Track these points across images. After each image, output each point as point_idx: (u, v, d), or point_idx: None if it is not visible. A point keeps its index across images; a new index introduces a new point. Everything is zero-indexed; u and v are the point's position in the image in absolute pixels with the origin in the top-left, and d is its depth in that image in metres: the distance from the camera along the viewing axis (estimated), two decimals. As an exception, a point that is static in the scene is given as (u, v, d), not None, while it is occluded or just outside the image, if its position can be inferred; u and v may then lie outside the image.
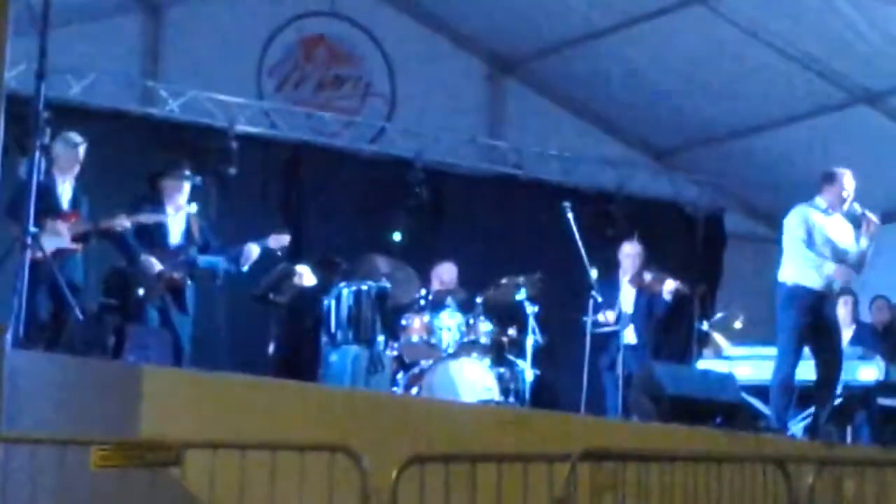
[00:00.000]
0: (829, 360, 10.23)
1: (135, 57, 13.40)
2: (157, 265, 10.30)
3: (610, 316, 11.71)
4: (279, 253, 11.00)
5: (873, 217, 10.32)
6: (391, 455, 6.06)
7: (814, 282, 10.14)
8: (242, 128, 13.04)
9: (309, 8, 14.20)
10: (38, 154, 8.51)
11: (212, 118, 13.01)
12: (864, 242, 10.33)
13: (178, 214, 10.58)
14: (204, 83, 13.12)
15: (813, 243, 10.19)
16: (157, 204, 10.54)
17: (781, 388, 10.10)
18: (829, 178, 10.36)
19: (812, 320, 10.12)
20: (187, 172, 10.68)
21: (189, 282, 10.48)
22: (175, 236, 10.54)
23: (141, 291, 10.25)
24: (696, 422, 9.56)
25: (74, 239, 9.99)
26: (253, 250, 10.67)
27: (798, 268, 10.19)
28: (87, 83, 12.54)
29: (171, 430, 7.00)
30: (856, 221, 10.36)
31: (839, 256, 10.21)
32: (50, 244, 9.49)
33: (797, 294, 10.13)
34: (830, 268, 10.14)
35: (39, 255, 9.04)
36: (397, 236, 13.52)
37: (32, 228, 8.52)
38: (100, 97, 12.64)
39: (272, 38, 13.99)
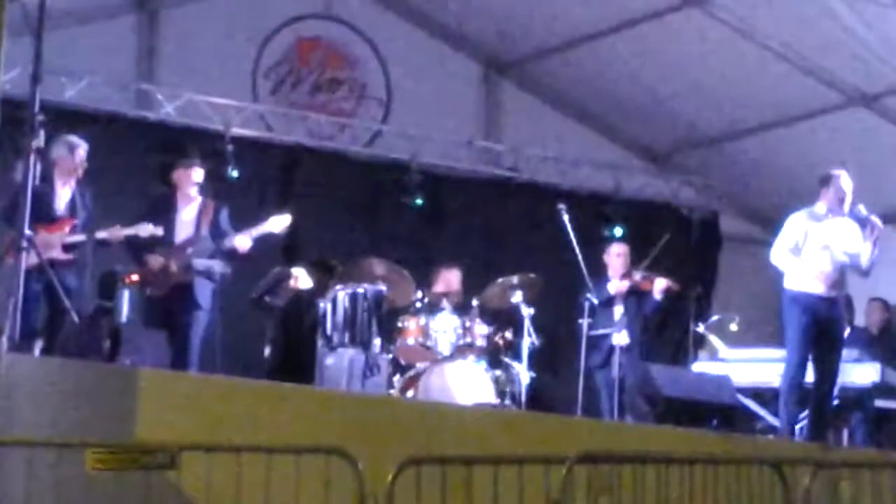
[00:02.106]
0: (828, 365, 10.22)
1: (130, 60, 13.41)
2: (160, 261, 10.30)
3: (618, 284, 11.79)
4: (285, 231, 10.94)
5: (878, 221, 10.29)
6: (387, 458, 6.06)
7: (815, 287, 10.12)
8: (238, 130, 13.05)
9: (304, 10, 14.22)
10: (33, 157, 8.49)
11: (208, 121, 13.02)
12: (867, 247, 10.28)
13: (190, 206, 10.57)
14: (199, 86, 13.12)
15: (799, 250, 10.16)
16: (170, 201, 10.55)
17: (790, 392, 10.07)
18: (825, 182, 10.33)
19: (816, 322, 10.10)
20: (197, 159, 10.72)
21: (196, 277, 10.46)
22: (183, 230, 10.52)
23: (148, 291, 10.26)
24: (692, 424, 9.56)
25: (66, 249, 9.94)
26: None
27: (796, 276, 10.17)
28: (83, 86, 12.55)
29: (166, 433, 6.99)
30: (861, 223, 10.31)
31: (836, 263, 10.17)
32: (43, 251, 9.45)
33: (800, 299, 10.11)
34: (819, 276, 10.12)
35: (35, 259, 9.03)
36: (419, 200, 13.60)
37: (28, 232, 8.51)
38: (95, 100, 12.65)
39: (268, 40, 14.00)
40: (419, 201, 13.76)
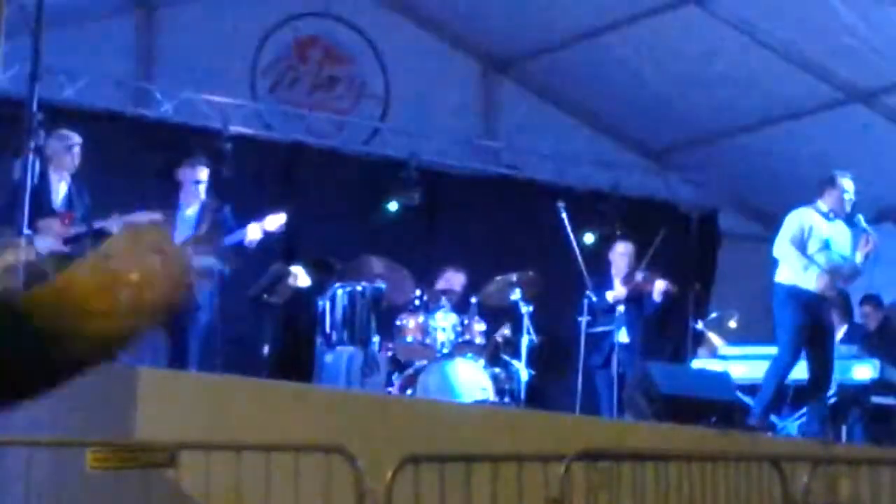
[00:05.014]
0: (823, 363, 10.24)
1: (128, 58, 13.39)
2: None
3: (618, 290, 11.74)
4: (279, 231, 10.93)
5: (873, 234, 10.37)
6: (386, 456, 6.07)
7: (810, 284, 10.14)
8: (236, 129, 13.02)
9: (303, 9, 14.20)
10: (31, 156, 8.49)
11: (206, 119, 13.00)
12: (858, 257, 10.38)
13: (193, 205, 10.57)
14: (198, 84, 13.12)
15: (806, 247, 10.21)
16: (173, 199, 10.54)
17: (773, 385, 10.10)
18: (830, 182, 10.38)
19: (811, 321, 10.13)
20: (203, 158, 10.73)
21: (196, 277, 10.45)
22: (183, 229, 10.51)
23: None
24: (692, 421, 9.56)
25: (66, 241, 9.95)
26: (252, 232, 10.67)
27: (794, 270, 10.20)
28: (81, 85, 12.53)
29: (165, 432, 7.00)
30: (857, 233, 10.41)
31: (832, 264, 10.22)
32: (42, 246, 9.47)
33: (795, 295, 10.13)
34: (816, 274, 10.15)
35: (34, 256, 9.04)
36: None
37: (26, 231, 8.51)
38: (93, 99, 12.63)
39: (266, 38, 13.98)
40: (417, 199, 13.67)
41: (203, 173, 10.64)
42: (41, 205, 9.65)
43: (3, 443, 6.58)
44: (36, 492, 6.26)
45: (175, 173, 10.75)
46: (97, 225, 10.10)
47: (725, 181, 15.38)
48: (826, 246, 10.21)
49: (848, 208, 10.35)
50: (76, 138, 10.19)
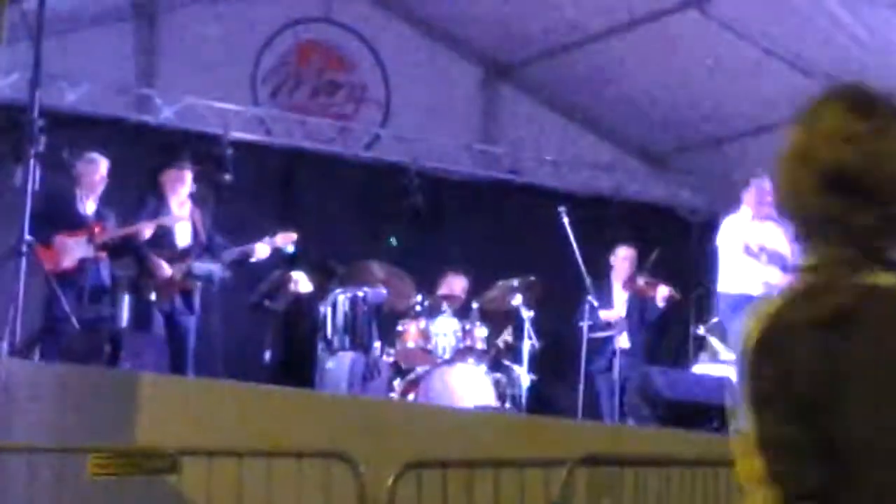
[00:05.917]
0: None
1: (130, 64, 13.39)
2: (167, 269, 10.34)
3: (619, 298, 11.81)
4: (289, 250, 11.02)
5: None
6: (388, 461, 6.06)
7: (756, 289, 10.26)
8: (237, 134, 13.03)
9: (304, 14, 14.21)
10: (32, 162, 8.51)
11: (207, 125, 13.01)
12: (794, 247, 10.47)
13: (182, 211, 10.61)
14: (199, 90, 13.12)
15: (750, 251, 10.39)
16: (160, 203, 10.58)
17: None
18: (744, 187, 10.67)
19: None
20: (188, 163, 10.75)
21: (198, 283, 10.51)
22: (182, 237, 10.55)
23: (153, 296, 10.27)
24: (693, 426, 9.55)
25: (99, 248, 10.03)
26: (261, 249, 10.75)
27: (739, 276, 10.36)
28: (83, 91, 12.54)
29: (167, 438, 6.99)
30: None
31: (775, 262, 10.36)
32: (75, 254, 9.59)
33: (743, 301, 10.21)
34: (771, 274, 10.30)
35: (69, 263, 9.22)
36: (394, 241, 13.51)
37: (28, 238, 8.53)
38: (95, 105, 12.64)
39: (267, 44, 13.98)
40: (418, 205, 13.68)
41: (189, 177, 10.68)
42: (70, 216, 9.81)
43: (5, 448, 6.58)
44: (38, 498, 6.26)
45: (159, 178, 10.78)
46: (128, 231, 10.21)
47: (726, 185, 15.37)
48: (762, 248, 10.38)
49: (768, 210, 10.47)
50: (103, 160, 10.32)
